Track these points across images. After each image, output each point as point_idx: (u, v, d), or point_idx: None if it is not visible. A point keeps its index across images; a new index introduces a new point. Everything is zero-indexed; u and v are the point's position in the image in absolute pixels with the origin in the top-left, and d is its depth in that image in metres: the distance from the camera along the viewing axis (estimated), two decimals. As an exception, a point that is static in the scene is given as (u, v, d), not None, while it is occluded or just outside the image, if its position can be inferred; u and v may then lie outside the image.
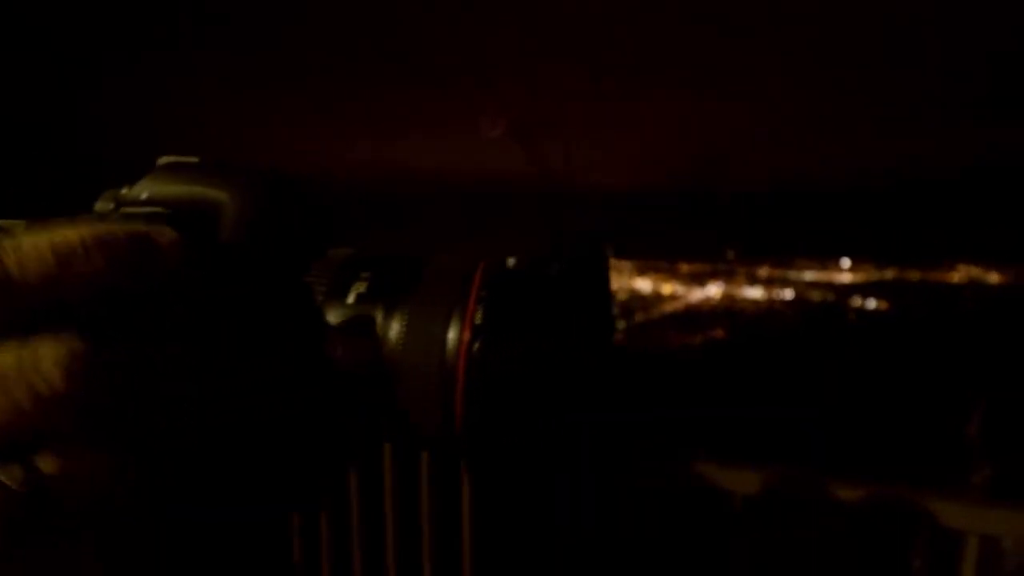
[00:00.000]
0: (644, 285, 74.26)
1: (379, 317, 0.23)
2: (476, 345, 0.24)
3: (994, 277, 67.83)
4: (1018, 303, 54.48)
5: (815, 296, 62.69)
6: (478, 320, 0.24)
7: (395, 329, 0.23)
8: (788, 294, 63.95)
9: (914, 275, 72.03)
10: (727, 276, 76.85)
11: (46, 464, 0.18)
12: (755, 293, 65.38)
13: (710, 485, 1.30)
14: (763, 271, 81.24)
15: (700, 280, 74.73)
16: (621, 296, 68.40)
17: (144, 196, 0.22)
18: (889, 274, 73.04)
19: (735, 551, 1.32)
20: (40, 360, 0.17)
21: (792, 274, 76.61)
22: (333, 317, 0.23)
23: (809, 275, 75.26)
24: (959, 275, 70.53)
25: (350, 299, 0.23)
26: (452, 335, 0.23)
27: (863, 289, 63.70)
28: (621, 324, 53.64)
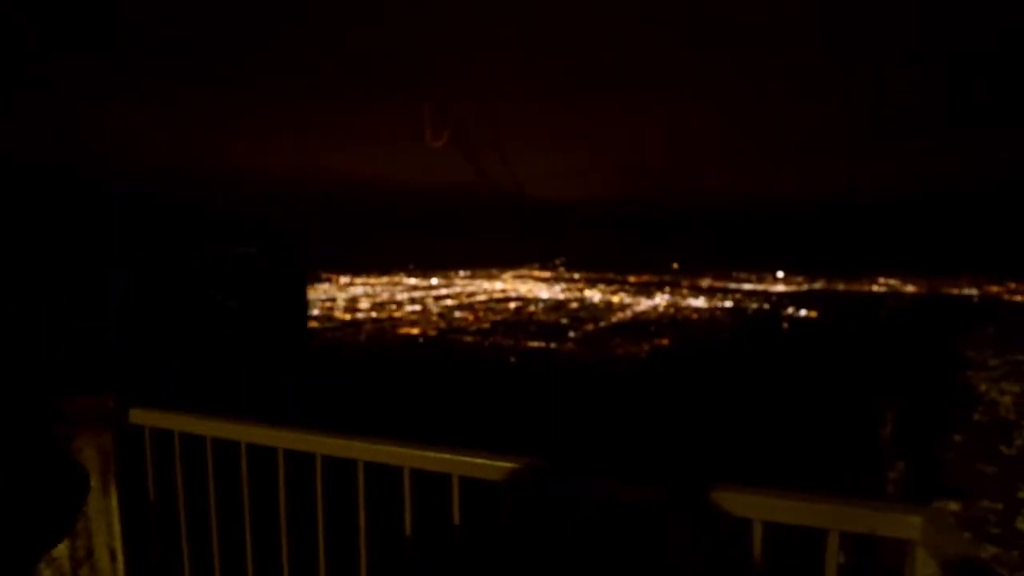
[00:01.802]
0: (594, 296, 76.40)
1: None
2: None
3: (910, 288, 73.99)
4: (931, 310, 59.56)
5: (752, 305, 66.59)
6: None
7: None
8: (728, 303, 67.48)
9: (840, 285, 77.92)
10: (672, 287, 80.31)
11: None
12: (698, 302, 68.44)
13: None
14: (705, 282, 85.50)
15: (647, 291, 77.71)
16: (573, 306, 69.97)
17: None
18: (818, 285, 78.63)
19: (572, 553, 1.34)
20: None
21: (732, 285, 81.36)
22: None
23: (747, 286, 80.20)
24: (879, 286, 76.66)
25: None
26: None
27: (795, 298, 68.75)
28: (572, 333, 54.92)
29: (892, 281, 76.41)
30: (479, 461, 1.29)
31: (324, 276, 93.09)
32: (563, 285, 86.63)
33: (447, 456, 1.33)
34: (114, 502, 1.85)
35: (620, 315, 62.07)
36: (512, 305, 69.68)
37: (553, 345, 50.50)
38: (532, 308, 67.97)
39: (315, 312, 65.03)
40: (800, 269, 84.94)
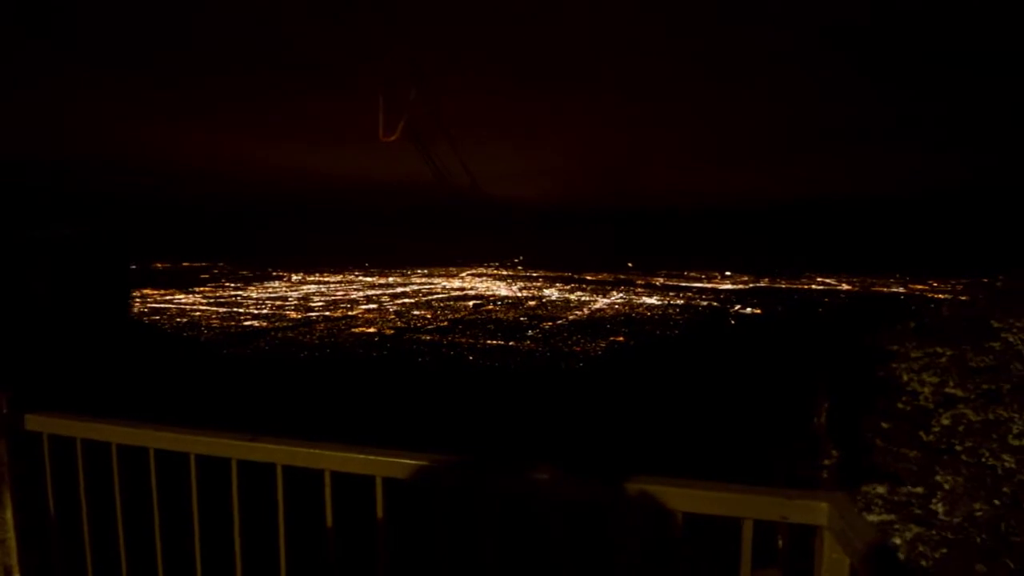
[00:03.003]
0: (552, 294, 77.20)
1: None
2: None
3: (845, 286, 78.98)
4: (863, 307, 63.59)
5: (702, 302, 69.19)
6: None
7: None
8: (680, 301, 69.80)
9: (782, 284, 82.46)
10: (628, 285, 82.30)
11: None
12: (652, 300, 70.42)
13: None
14: (659, 280, 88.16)
15: (604, 289, 79.26)
16: (531, 304, 70.45)
17: None
18: (763, 283, 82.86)
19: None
20: None
21: (683, 283, 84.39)
22: None
23: (697, 284, 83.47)
24: (817, 284, 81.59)
25: None
26: None
27: (741, 296, 72.05)
28: (531, 331, 55.27)
29: (829, 280, 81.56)
30: (405, 461, 1.24)
31: (275, 274, 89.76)
32: (522, 283, 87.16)
33: (371, 457, 1.27)
34: (9, 516, 1.68)
35: (577, 313, 62.97)
36: (471, 303, 69.42)
37: (512, 343, 50.67)
38: (491, 306, 67.95)
39: (265, 311, 62.60)
40: (746, 268, 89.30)
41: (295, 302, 68.18)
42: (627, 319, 59.53)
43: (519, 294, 78.14)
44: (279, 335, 51.90)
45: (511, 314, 62.76)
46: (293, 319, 58.91)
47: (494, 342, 50.88)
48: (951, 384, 3.89)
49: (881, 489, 4.36)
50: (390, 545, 1.31)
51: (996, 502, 3.57)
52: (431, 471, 1.23)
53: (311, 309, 64.15)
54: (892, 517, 4.19)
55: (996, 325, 3.68)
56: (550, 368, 42.19)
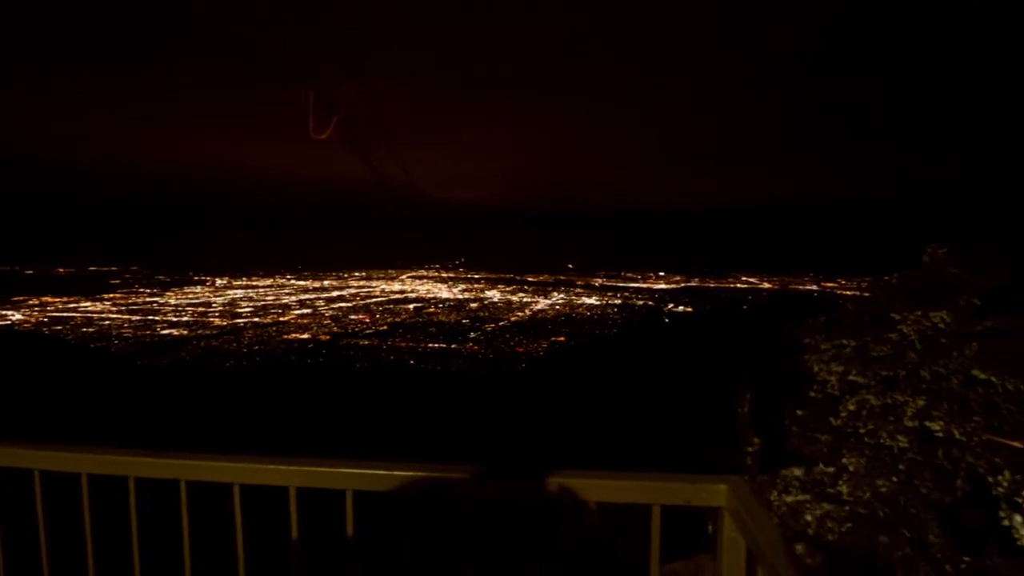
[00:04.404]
0: (494, 295, 77.46)
1: None
2: None
3: (766, 284, 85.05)
4: (781, 303, 68.46)
5: (639, 301, 72.03)
6: None
7: None
8: (618, 300, 72.22)
9: (710, 283, 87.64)
10: (568, 286, 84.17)
11: None
12: (591, 300, 72.35)
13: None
14: (598, 281, 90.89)
15: (545, 290, 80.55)
16: (473, 306, 70.26)
17: None
18: (693, 282, 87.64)
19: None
20: None
21: (620, 283, 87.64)
22: None
23: (634, 284, 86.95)
24: (742, 283, 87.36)
25: None
26: None
27: (674, 295, 75.88)
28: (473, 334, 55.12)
29: (752, 279, 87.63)
30: (319, 470, 1.18)
31: (197, 278, 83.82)
32: (464, 285, 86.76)
33: (282, 468, 1.19)
34: None
35: (519, 314, 63.51)
36: (411, 306, 68.21)
37: (454, 346, 50.27)
38: (432, 309, 67.10)
39: (185, 319, 58.30)
40: (678, 269, 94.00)
41: (220, 308, 64.10)
42: (568, 319, 60.76)
43: (461, 296, 77.72)
44: (202, 344, 48.50)
45: (453, 316, 62.28)
46: (217, 326, 55.28)
47: (436, 345, 50.27)
48: (854, 372, 4.22)
49: (797, 472, 4.67)
50: (302, 554, 1.25)
51: (894, 479, 3.92)
52: (348, 479, 1.18)
53: (238, 315, 60.49)
54: (807, 497, 4.50)
55: (895, 318, 4.03)
56: (493, 370, 42.25)
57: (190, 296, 71.65)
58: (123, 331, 52.49)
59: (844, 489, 4.09)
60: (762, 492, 4.83)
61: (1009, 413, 3.58)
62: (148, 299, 68.35)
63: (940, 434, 3.75)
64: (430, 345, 50.49)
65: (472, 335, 54.35)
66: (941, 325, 3.85)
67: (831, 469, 4.40)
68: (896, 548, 3.79)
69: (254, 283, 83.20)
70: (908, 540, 3.78)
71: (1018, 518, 2.94)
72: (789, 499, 4.42)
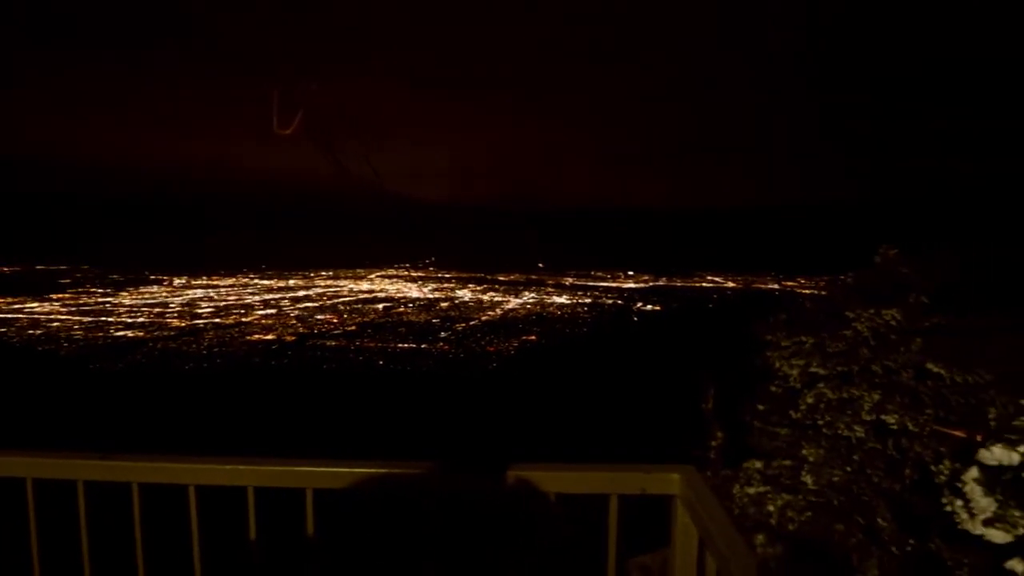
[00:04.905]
0: (465, 295, 77.20)
1: None
2: None
3: (731, 284, 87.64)
4: (744, 302, 70.65)
5: (608, 300, 73.07)
6: None
7: None
8: (588, 299, 73.07)
9: (677, 282, 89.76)
10: (538, 285, 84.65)
11: None
12: (562, 299, 72.92)
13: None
14: (568, 280, 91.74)
15: (515, 289, 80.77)
16: (443, 306, 69.85)
17: None
18: (661, 282, 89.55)
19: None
20: None
21: (590, 282, 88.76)
22: None
23: (603, 283, 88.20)
24: (707, 283, 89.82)
25: None
26: None
27: (643, 294, 77.42)
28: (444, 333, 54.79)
29: (717, 278, 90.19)
30: (276, 469, 1.15)
31: (153, 277, 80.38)
32: (433, 285, 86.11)
33: (240, 467, 1.15)
34: None
35: (490, 313, 63.43)
36: (380, 306, 67.23)
37: (424, 346, 49.80)
38: (402, 308, 66.30)
39: (141, 320, 55.86)
40: (647, 268, 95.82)
41: (178, 309, 61.68)
42: (539, 318, 61.03)
43: (431, 295, 77.07)
44: (159, 346, 46.54)
45: (423, 316, 61.68)
46: (176, 328, 53.17)
47: (406, 345, 49.69)
48: (814, 365, 4.38)
49: (759, 464, 4.82)
50: (260, 555, 1.22)
51: (848, 468, 4.10)
52: (307, 477, 1.16)
53: (198, 316, 58.32)
54: (767, 488, 4.65)
55: (850, 315, 4.21)
56: (463, 369, 42.09)
57: (146, 296, 68.70)
58: (73, 333, 49.89)
59: (808, 480, 4.24)
60: (726, 485, 4.96)
61: (958, 404, 3.78)
62: (101, 299, 65.15)
63: (895, 427, 3.94)
64: (400, 345, 49.86)
65: (443, 335, 53.95)
66: (892, 322, 4.04)
67: (789, 462, 4.56)
68: (850, 535, 3.96)
69: (215, 282, 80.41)
70: (861, 527, 3.96)
71: (959, 503, 3.12)
72: (751, 491, 4.56)
